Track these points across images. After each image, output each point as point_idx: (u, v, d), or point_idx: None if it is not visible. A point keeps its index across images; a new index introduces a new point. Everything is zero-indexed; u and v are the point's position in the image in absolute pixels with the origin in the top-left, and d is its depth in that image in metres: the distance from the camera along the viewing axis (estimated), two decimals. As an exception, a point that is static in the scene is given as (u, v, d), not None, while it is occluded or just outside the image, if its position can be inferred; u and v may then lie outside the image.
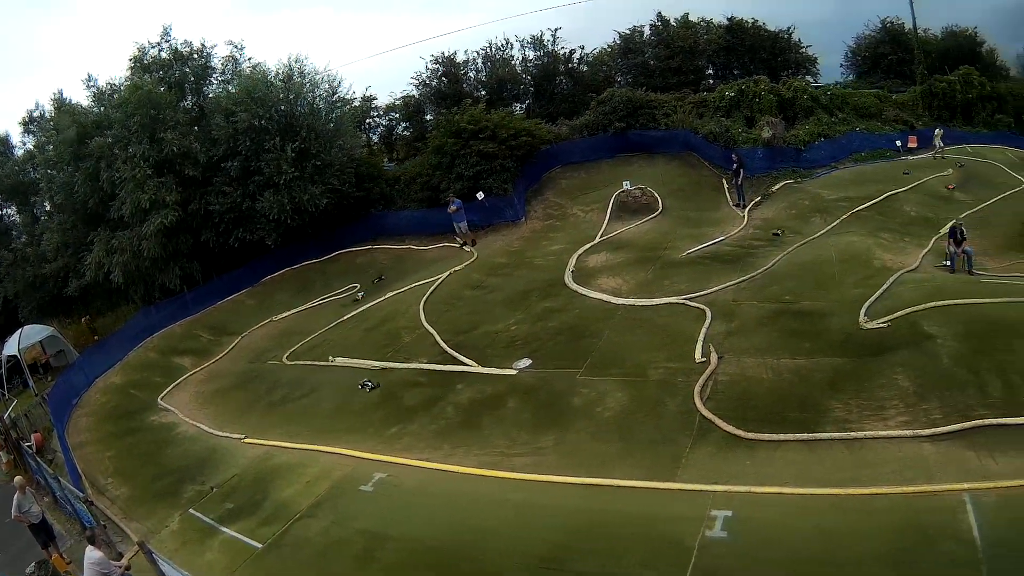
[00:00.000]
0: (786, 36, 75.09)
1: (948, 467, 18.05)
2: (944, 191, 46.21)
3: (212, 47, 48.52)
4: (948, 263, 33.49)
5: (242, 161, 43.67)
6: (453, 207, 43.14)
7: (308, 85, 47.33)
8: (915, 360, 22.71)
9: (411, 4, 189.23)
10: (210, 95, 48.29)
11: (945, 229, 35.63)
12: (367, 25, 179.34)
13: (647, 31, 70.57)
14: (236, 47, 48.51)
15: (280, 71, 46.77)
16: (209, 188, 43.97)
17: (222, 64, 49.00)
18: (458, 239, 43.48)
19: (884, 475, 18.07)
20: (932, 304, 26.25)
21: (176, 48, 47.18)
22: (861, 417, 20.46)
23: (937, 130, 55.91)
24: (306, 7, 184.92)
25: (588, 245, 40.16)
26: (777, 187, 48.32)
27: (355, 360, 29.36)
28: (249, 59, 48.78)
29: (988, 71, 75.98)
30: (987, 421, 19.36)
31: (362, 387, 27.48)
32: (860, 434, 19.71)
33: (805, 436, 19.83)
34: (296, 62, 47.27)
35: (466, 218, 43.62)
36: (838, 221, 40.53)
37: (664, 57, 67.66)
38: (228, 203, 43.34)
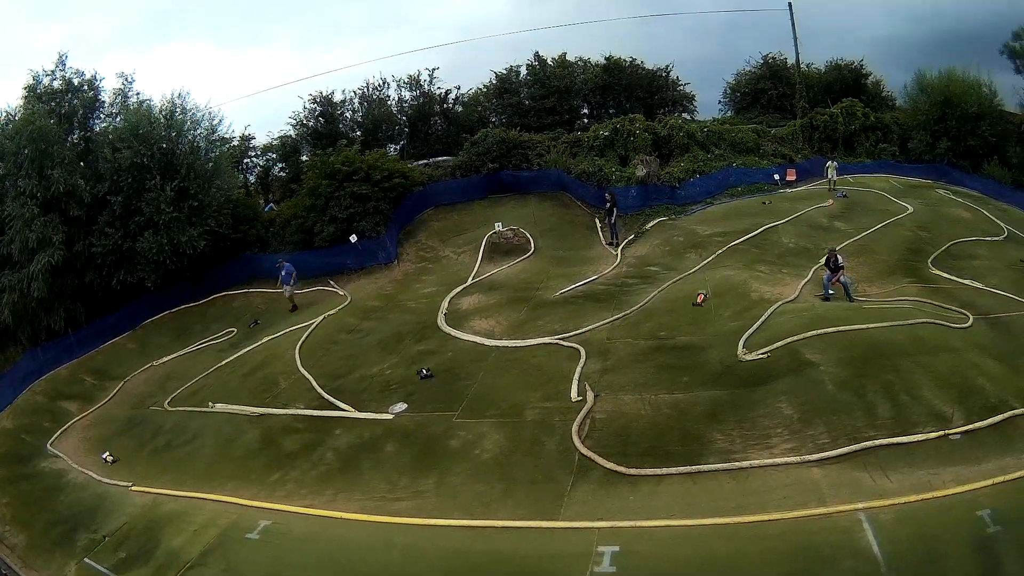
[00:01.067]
0: (664, 74, 77.25)
1: (841, 489, 19.41)
2: (824, 221, 47.71)
3: (102, 79, 48.11)
4: (828, 291, 34.73)
5: (124, 199, 43.26)
6: (283, 272, 42.56)
7: (189, 123, 47.12)
8: (797, 388, 24.13)
9: (294, 40, 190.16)
10: (97, 129, 47.66)
11: (823, 259, 36.85)
12: (249, 62, 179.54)
13: (524, 71, 72.08)
14: (126, 80, 48.23)
15: (164, 107, 46.40)
16: (93, 228, 43.44)
17: (110, 97, 48.41)
18: (289, 299, 42.69)
19: (773, 501, 19.19)
20: (812, 332, 27.62)
21: (69, 78, 46.74)
22: (745, 447, 21.65)
23: (829, 163, 58.43)
24: (188, 41, 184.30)
25: (461, 287, 40.72)
26: (651, 224, 49.74)
27: (234, 406, 29.39)
28: (137, 93, 48.34)
29: (874, 102, 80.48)
30: (877, 442, 21.04)
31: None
32: (745, 463, 20.82)
33: (688, 468, 20.68)
34: (179, 98, 47.03)
35: (293, 283, 42.54)
36: (713, 256, 41.80)
37: (539, 97, 69.63)
38: (110, 244, 42.79)
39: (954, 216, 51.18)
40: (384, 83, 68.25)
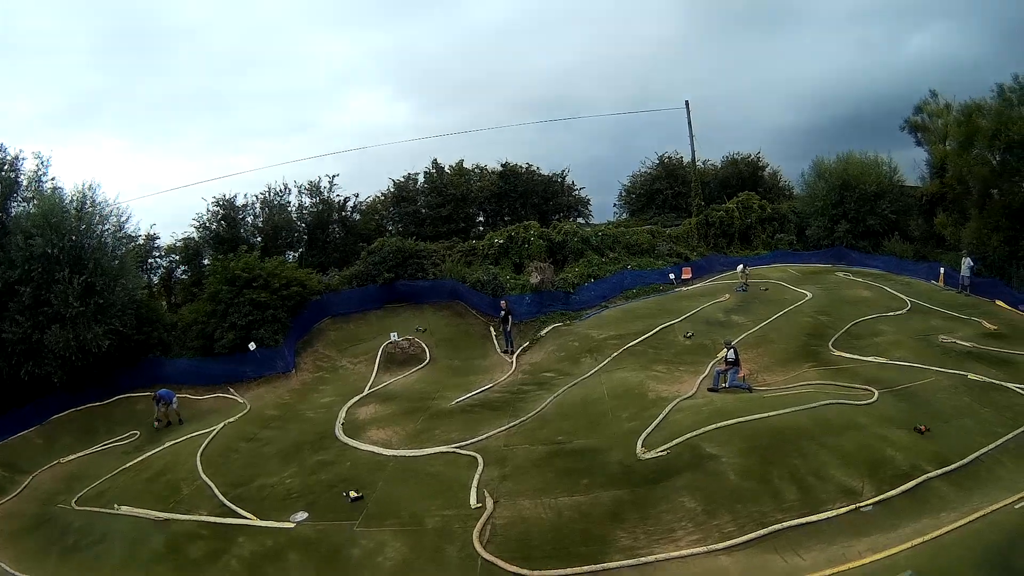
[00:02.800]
0: (560, 179, 79.77)
1: (752, 572, 20.76)
2: (720, 316, 49.49)
3: (23, 159, 47.18)
4: (725, 384, 35.99)
5: (34, 289, 42.59)
6: (163, 395, 42.00)
7: (98, 217, 46.82)
8: (699, 481, 25.43)
9: (203, 140, 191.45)
10: (13, 212, 46.75)
11: (723, 353, 38.22)
12: (158, 159, 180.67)
13: (421, 178, 73.77)
14: (42, 162, 47.27)
15: (75, 198, 46.03)
16: (4, 314, 42.79)
17: (27, 179, 47.46)
18: (157, 421, 41.85)
19: None
20: (712, 426, 29.27)
21: None
22: (650, 542, 22.54)
23: (740, 266, 60.25)
24: (100, 132, 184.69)
25: (357, 397, 41.17)
26: (546, 331, 51.42)
27: (139, 510, 29.34)
28: (52, 179, 47.42)
29: (771, 192, 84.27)
30: (785, 524, 22.47)
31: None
32: (650, 558, 21.64)
33: (593, 568, 21.43)
34: (89, 190, 46.66)
35: (170, 401, 41.90)
36: (609, 359, 43.22)
37: (436, 205, 71.31)
38: (20, 333, 42.09)
39: (854, 297, 53.72)
40: (285, 188, 68.88)
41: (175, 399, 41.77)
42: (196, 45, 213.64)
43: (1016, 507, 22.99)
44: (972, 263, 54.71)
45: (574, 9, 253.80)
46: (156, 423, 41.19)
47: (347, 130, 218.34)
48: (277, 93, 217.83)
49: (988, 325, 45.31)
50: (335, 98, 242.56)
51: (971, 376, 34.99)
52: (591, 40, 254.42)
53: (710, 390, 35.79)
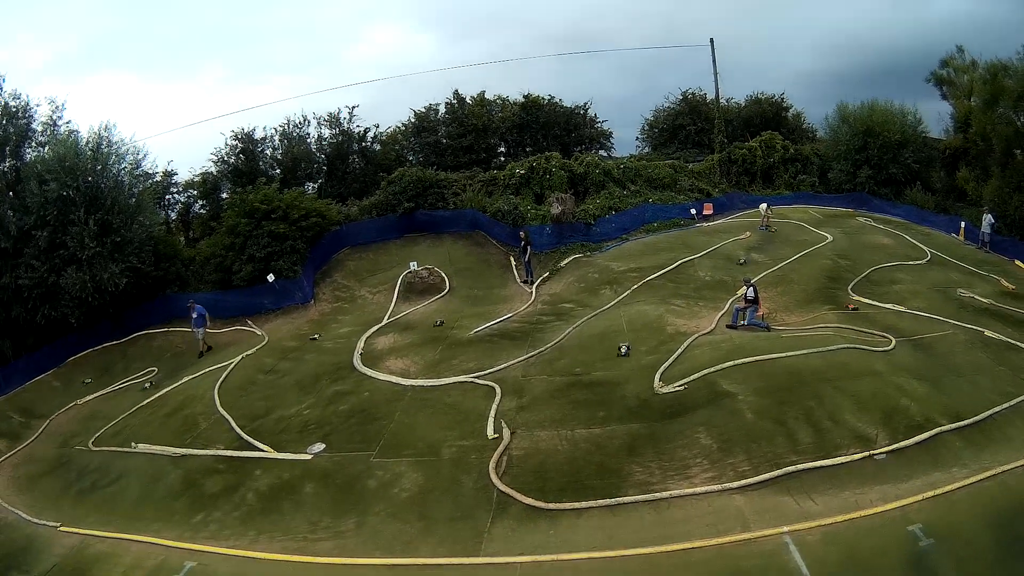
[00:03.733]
0: (582, 112, 78.60)
1: (765, 514, 20.50)
2: (741, 254, 49.21)
3: (36, 106, 47.05)
4: (744, 321, 36.07)
5: (50, 233, 42.48)
6: (194, 313, 42.10)
7: (115, 156, 46.41)
8: (715, 418, 25.24)
9: (222, 75, 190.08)
10: (28, 158, 46.71)
11: (742, 291, 37.91)
12: (176, 95, 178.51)
13: (442, 109, 72.89)
14: (56, 108, 47.25)
15: (90, 139, 45.68)
16: (20, 260, 42.83)
17: (42, 126, 47.32)
18: (200, 347, 42.20)
19: (696, 530, 20.04)
20: (729, 363, 29.12)
21: (5, 103, 45.83)
22: (664, 478, 22.54)
23: (763, 204, 59.69)
24: (116, 71, 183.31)
25: (376, 327, 41.38)
26: (566, 262, 51.38)
27: (156, 447, 29.47)
28: (68, 122, 47.33)
29: (794, 134, 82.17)
30: (800, 467, 22.28)
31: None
32: (665, 494, 21.65)
33: (607, 501, 21.48)
34: (105, 130, 46.27)
35: (204, 325, 42.25)
36: (628, 291, 43.14)
37: (456, 135, 70.52)
38: (36, 278, 42.13)
39: (875, 243, 52.82)
40: (305, 120, 68.24)
41: (205, 321, 41.99)
42: None
43: None
44: (993, 220, 54.29)
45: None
46: (200, 351, 41.48)
47: (369, 62, 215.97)
48: (298, 29, 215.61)
49: (1006, 284, 44.95)
50: (357, 31, 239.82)
51: (988, 333, 34.59)
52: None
53: (729, 327, 35.64)
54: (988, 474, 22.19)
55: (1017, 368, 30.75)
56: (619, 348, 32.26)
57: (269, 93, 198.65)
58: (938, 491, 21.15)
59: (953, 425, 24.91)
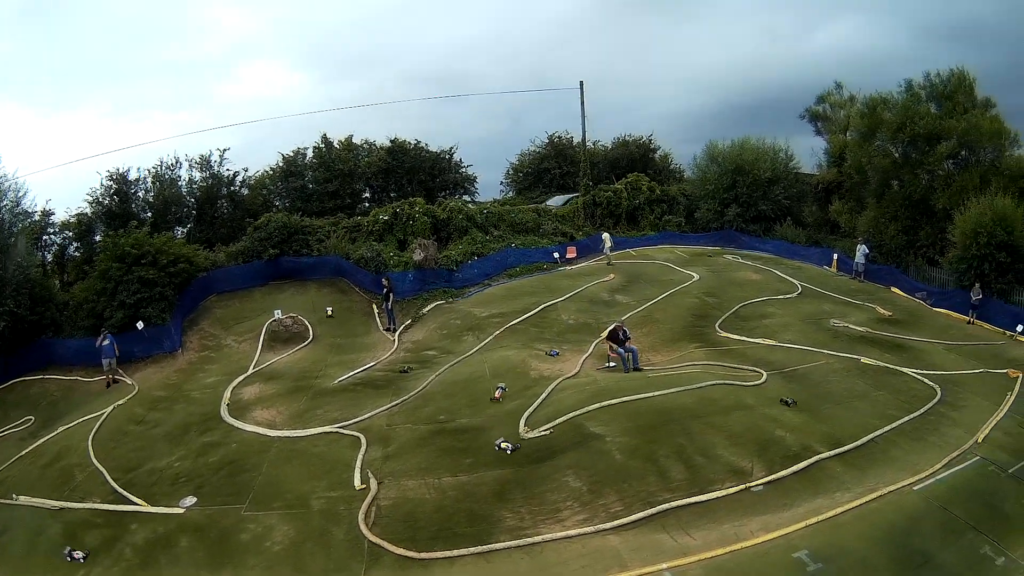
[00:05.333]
0: (447, 156, 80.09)
1: (642, 552, 21.31)
2: (605, 295, 50.66)
3: None
4: (611, 364, 37.65)
5: None
6: (105, 341, 42.50)
7: None
8: (584, 460, 26.28)
9: (103, 108, 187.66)
10: None
11: (606, 332, 39.17)
12: (57, 127, 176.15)
13: (310, 153, 73.81)
14: None
15: None
16: None
17: None
18: (107, 377, 42.58)
19: (573, 572, 20.74)
20: (596, 405, 30.34)
21: None
22: (535, 522, 23.15)
23: (605, 235, 62.14)
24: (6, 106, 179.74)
25: (242, 377, 41.09)
26: (428, 308, 52.43)
27: (36, 499, 28.97)
28: None
29: (661, 175, 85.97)
30: (673, 504, 23.37)
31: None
32: (537, 538, 22.23)
33: (479, 548, 21.94)
34: None
35: (112, 354, 42.69)
36: (491, 337, 44.45)
37: (323, 181, 71.52)
38: None
39: (743, 279, 55.26)
40: (177, 162, 67.96)
41: (115, 351, 42.56)
42: (99, 13, 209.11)
43: (915, 488, 24.60)
44: (867, 250, 56.96)
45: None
46: (108, 381, 42.14)
47: (244, 100, 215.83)
48: (176, 63, 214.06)
49: (882, 311, 47.34)
50: (232, 68, 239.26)
51: (864, 360, 36.83)
52: (490, 15, 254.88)
53: (624, 371, 36.78)
54: (874, 495, 23.88)
55: (897, 391, 33.30)
56: (495, 390, 33.37)
57: (148, 130, 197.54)
58: (822, 517, 22.55)
59: (832, 452, 26.77)
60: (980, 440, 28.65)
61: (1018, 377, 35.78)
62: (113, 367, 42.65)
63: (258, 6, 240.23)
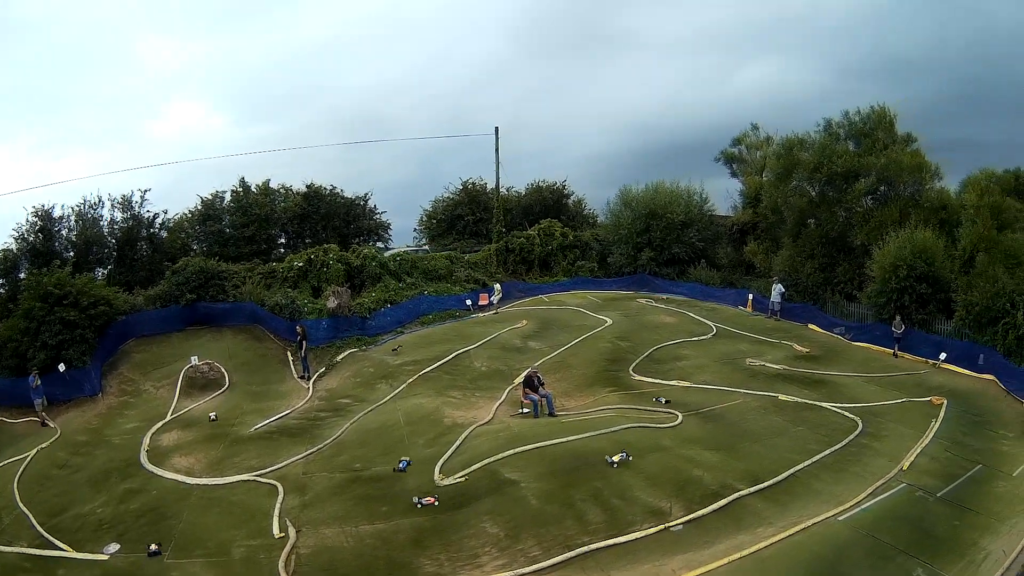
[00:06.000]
0: (362, 202, 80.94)
1: None
2: (517, 342, 51.61)
3: None
4: (524, 410, 38.57)
5: None
6: (36, 383, 42.59)
7: None
8: (501, 506, 26.80)
9: (31, 140, 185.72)
10: None
11: (520, 378, 40.75)
12: None
13: (228, 197, 73.79)
14: None
15: None
16: None
17: None
18: (40, 416, 42.42)
19: None
20: (510, 452, 31.17)
21: None
22: (455, 569, 23.52)
23: (497, 285, 63.98)
24: None
25: (161, 423, 40.94)
26: (341, 356, 53.02)
27: None
28: None
29: (574, 220, 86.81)
30: (592, 546, 23.85)
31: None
32: None
33: None
34: None
35: (43, 395, 42.83)
36: (404, 385, 45.02)
37: (240, 225, 71.40)
38: None
39: (657, 323, 56.87)
40: (99, 201, 67.45)
41: (40, 397, 42.76)
42: (26, 43, 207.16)
43: (840, 519, 25.56)
44: (783, 289, 58.95)
45: (397, 29, 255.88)
46: (43, 421, 42.35)
47: (165, 141, 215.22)
48: (102, 99, 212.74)
49: (799, 348, 49.17)
50: (157, 107, 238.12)
51: (782, 397, 38.12)
52: (410, 60, 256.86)
53: (534, 417, 38.01)
54: (797, 528, 24.74)
55: (816, 425, 34.74)
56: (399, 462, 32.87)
57: (73, 166, 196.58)
58: (744, 552, 23.20)
59: (752, 488, 27.79)
60: (905, 467, 30.06)
61: (942, 404, 37.45)
62: (45, 406, 42.83)
63: (185, 43, 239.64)
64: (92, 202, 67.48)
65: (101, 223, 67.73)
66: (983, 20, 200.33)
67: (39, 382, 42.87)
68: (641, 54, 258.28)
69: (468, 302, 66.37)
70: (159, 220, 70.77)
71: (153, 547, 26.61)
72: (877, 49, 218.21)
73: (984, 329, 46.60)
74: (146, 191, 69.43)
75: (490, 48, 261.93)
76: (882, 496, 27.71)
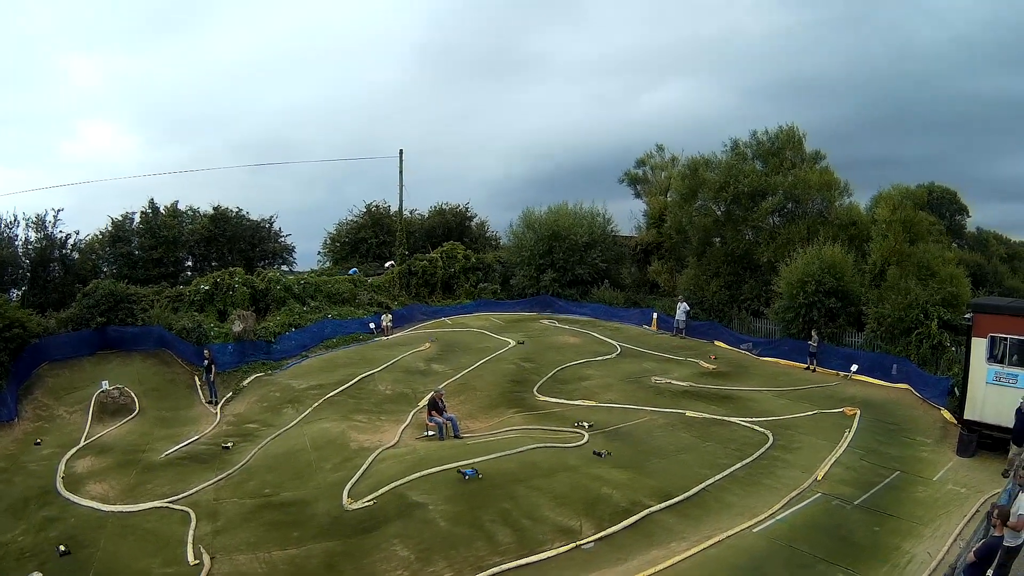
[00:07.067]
0: (267, 225, 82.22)
1: None
2: (421, 365, 53.04)
3: None
4: (429, 433, 39.37)
5: None
6: None
7: None
8: (410, 529, 27.23)
9: None
10: None
11: (424, 401, 41.97)
12: None
13: (137, 219, 73.95)
14: None
15: None
16: None
17: None
18: None
19: None
20: (416, 475, 31.77)
21: None
22: None
23: (385, 314, 65.50)
24: None
25: (74, 449, 40.97)
26: (248, 381, 53.97)
27: None
28: None
29: (477, 242, 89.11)
30: (503, 567, 24.55)
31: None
32: None
33: None
34: None
35: None
36: (310, 409, 45.95)
37: (148, 247, 71.80)
38: None
39: (560, 343, 58.64)
40: (15, 220, 67.34)
41: None
42: None
43: (755, 530, 26.93)
44: (687, 307, 61.31)
45: (307, 53, 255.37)
46: None
47: (79, 161, 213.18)
48: (19, 115, 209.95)
49: (706, 365, 51.28)
50: (70, 126, 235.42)
51: (689, 413, 39.73)
52: (317, 84, 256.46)
53: (439, 439, 38.96)
54: (712, 541, 25.91)
55: (726, 440, 36.67)
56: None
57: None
58: (658, 567, 24.04)
59: (662, 504, 28.95)
60: (820, 477, 31.87)
61: (855, 414, 39.73)
62: None
63: (98, 62, 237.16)
64: (8, 221, 67.60)
65: (16, 243, 67.74)
66: (903, 39, 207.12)
67: None
68: (550, 78, 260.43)
69: (372, 325, 67.69)
70: (71, 241, 70.62)
71: (62, 548, 28.08)
72: (793, 70, 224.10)
73: (897, 340, 49.61)
74: (59, 211, 69.50)
75: (398, 73, 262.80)
76: (797, 507, 29.44)
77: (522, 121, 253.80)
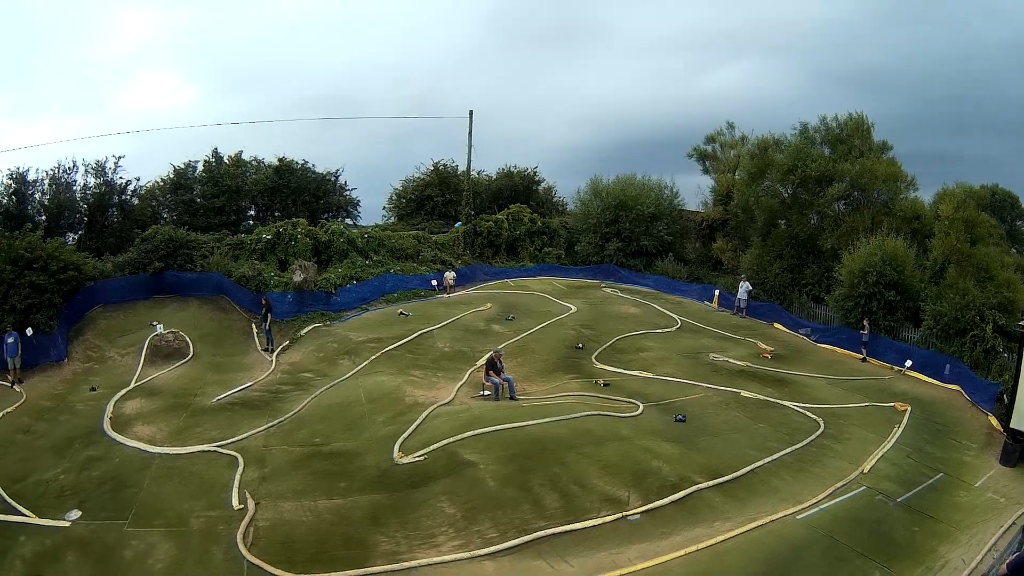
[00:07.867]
0: (333, 179, 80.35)
1: None
2: (481, 324, 51.71)
3: None
4: (485, 392, 38.62)
5: None
6: (9, 339, 42.38)
7: None
8: (458, 487, 26.88)
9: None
10: None
11: (482, 360, 40.93)
12: None
13: (200, 167, 73.11)
14: None
15: None
16: None
17: None
18: (9, 377, 42.19)
19: None
20: (469, 433, 31.18)
21: None
22: (411, 547, 23.48)
23: (449, 272, 64.11)
24: None
25: (124, 391, 40.50)
26: (305, 331, 52.90)
27: None
28: None
29: (544, 207, 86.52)
30: (548, 531, 24.06)
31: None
32: (412, 563, 22.54)
33: (355, 572, 22.10)
34: None
35: (17, 353, 42.34)
36: (367, 362, 44.95)
37: (211, 196, 70.86)
38: None
39: (621, 313, 57.14)
40: (74, 166, 66.88)
41: (19, 349, 42.55)
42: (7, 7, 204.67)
43: (798, 517, 25.97)
44: (750, 287, 59.24)
45: (370, 8, 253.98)
46: (12, 381, 42.01)
47: (138, 110, 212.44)
48: (76, 65, 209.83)
49: (763, 346, 49.18)
50: (129, 75, 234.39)
51: (744, 393, 38.37)
52: (383, 41, 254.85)
53: (494, 400, 38.14)
54: (754, 524, 25.08)
55: (778, 424, 35.14)
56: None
57: (46, 132, 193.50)
58: (701, 545, 23.49)
59: (711, 482, 28.02)
60: (866, 471, 30.36)
61: (906, 410, 37.82)
62: (20, 366, 42.59)
63: (158, 13, 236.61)
64: (67, 167, 67.05)
65: (74, 188, 67.29)
66: (968, 36, 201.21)
67: (11, 339, 42.55)
68: (617, 48, 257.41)
69: (433, 282, 66.56)
70: (131, 187, 70.21)
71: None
72: (858, 59, 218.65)
73: (951, 340, 47.13)
74: (120, 158, 68.95)
75: (464, 33, 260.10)
76: (841, 498, 28.09)
77: (589, 90, 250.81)
